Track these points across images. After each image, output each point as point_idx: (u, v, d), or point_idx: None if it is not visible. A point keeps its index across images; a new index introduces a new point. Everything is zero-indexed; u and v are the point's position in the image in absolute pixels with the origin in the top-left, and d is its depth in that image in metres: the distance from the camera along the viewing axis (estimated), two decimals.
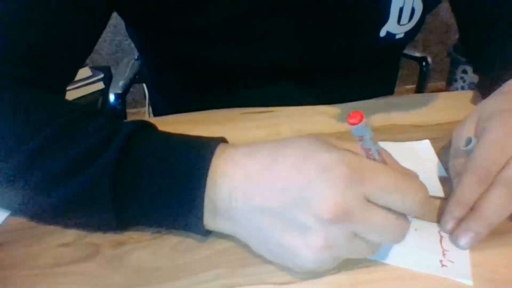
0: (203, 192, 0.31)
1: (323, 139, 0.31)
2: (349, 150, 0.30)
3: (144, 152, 0.33)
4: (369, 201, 0.28)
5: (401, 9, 0.50)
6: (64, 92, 0.48)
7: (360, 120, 0.26)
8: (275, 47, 0.53)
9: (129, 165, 0.32)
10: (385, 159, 0.30)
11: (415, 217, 0.35)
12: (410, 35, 0.54)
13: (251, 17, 0.49)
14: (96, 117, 0.36)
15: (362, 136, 0.28)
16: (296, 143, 0.31)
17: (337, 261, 0.30)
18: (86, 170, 0.32)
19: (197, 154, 0.32)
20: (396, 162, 0.32)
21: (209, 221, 0.32)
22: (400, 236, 0.30)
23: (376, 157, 0.29)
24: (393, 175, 0.28)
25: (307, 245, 0.28)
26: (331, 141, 0.32)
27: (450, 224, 0.35)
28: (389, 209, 0.29)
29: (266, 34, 0.52)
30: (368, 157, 0.29)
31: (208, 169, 0.31)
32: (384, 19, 0.50)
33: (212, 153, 0.32)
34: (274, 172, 0.30)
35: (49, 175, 0.33)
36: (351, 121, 0.27)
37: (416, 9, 0.50)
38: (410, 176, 0.29)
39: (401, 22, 0.51)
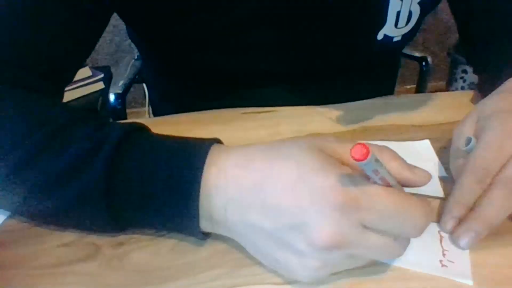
0: (197, 201, 0.31)
1: (321, 144, 0.30)
2: (346, 169, 0.28)
3: (134, 161, 0.32)
4: (364, 226, 0.28)
5: (398, 13, 0.50)
6: (61, 94, 0.48)
7: (365, 158, 0.24)
8: (273, 54, 0.53)
9: (120, 173, 0.32)
10: (388, 183, 0.28)
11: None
12: (408, 37, 0.54)
13: (248, 27, 0.49)
14: (86, 122, 0.35)
15: (364, 169, 0.26)
16: (291, 155, 0.30)
17: (331, 273, 0.30)
18: (77, 178, 0.32)
19: (188, 164, 0.31)
20: (402, 165, 0.30)
21: (206, 226, 0.32)
22: (398, 254, 0.30)
23: (378, 183, 0.28)
24: (391, 201, 0.27)
25: (302, 266, 0.28)
26: (330, 145, 0.31)
27: (450, 224, 0.35)
28: (386, 234, 0.28)
29: (264, 43, 0.52)
30: (368, 179, 0.28)
31: (200, 179, 0.31)
32: (381, 23, 0.50)
33: (203, 162, 0.31)
34: (267, 191, 0.29)
35: (39, 183, 0.32)
36: (356, 156, 0.24)
37: (413, 12, 0.50)
38: (409, 199, 0.28)
39: (399, 26, 0.51)
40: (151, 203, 0.32)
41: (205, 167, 0.31)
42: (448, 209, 0.35)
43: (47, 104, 0.39)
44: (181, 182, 0.31)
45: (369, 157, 0.24)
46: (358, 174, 0.28)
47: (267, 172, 0.30)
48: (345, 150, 0.30)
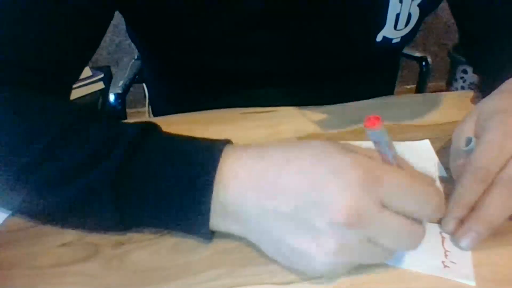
0: (210, 195, 0.31)
1: (338, 143, 0.31)
2: (364, 154, 0.29)
3: (148, 155, 0.33)
4: (383, 205, 0.28)
5: (397, 15, 0.50)
6: (68, 93, 0.48)
7: (377, 125, 0.26)
8: (272, 55, 0.54)
9: (133, 168, 0.32)
10: (401, 165, 0.29)
11: (429, 221, 0.33)
12: (407, 39, 0.54)
13: (247, 28, 0.50)
14: (99, 119, 0.36)
15: (378, 141, 0.27)
16: (308, 145, 0.31)
17: (350, 267, 0.30)
18: (89, 172, 0.32)
19: (204, 157, 0.32)
20: (413, 169, 0.32)
21: (218, 223, 0.32)
22: (414, 243, 0.29)
23: (392, 162, 0.29)
24: (409, 180, 0.28)
25: (320, 249, 0.28)
26: (347, 145, 0.31)
27: (451, 225, 0.35)
28: (404, 215, 0.28)
29: (263, 44, 0.52)
30: (383, 161, 0.29)
31: (215, 172, 0.31)
32: (381, 25, 0.50)
33: (219, 156, 0.32)
34: (286, 175, 0.30)
35: (52, 177, 0.33)
36: (368, 124, 0.26)
37: (412, 14, 0.50)
38: (426, 181, 0.29)
39: (398, 28, 0.51)
40: (161, 196, 0.32)
41: (221, 160, 0.32)
42: (449, 210, 0.35)
43: (57, 103, 0.39)
44: (195, 175, 0.31)
45: (380, 125, 0.25)
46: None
47: (285, 160, 0.30)
48: (360, 149, 0.31)
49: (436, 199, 0.29)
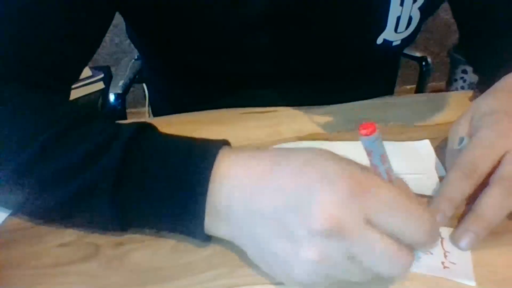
0: (205, 196, 0.31)
1: (333, 153, 0.30)
2: (357, 163, 0.28)
3: (146, 155, 0.33)
4: (370, 222, 0.26)
5: (398, 18, 0.50)
6: (68, 92, 0.48)
7: (372, 133, 0.25)
8: (272, 57, 0.53)
9: (131, 167, 0.32)
10: (392, 180, 0.28)
11: (420, 249, 0.29)
12: (408, 41, 0.54)
13: (246, 30, 0.49)
14: (98, 119, 0.36)
15: (371, 151, 0.26)
16: (303, 151, 0.30)
17: (329, 280, 0.28)
18: (87, 171, 0.32)
19: (200, 158, 0.32)
20: (408, 188, 0.30)
21: (210, 226, 0.32)
22: (400, 270, 0.27)
23: (384, 176, 0.27)
24: (399, 197, 0.26)
25: (297, 255, 0.27)
26: (343, 156, 0.30)
27: (437, 218, 0.34)
28: (392, 237, 0.26)
29: (263, 47, 0.52)
30: (375, 174, 0.28)
31: (210, 173, 0.31)
32: (381, 28, 0.50)
33: (214, 157, 0.32)
34: (275, 176, 0.29)
35: (51, 175, 0.33)
36: (363, 131, 0.25)
37: (413, 17, 0.50)
38: (419, 203, 0.27)
39: (398, 30, 0.51)
40: (158, 196, 0.32)
41: (216, 162, 0.31)
42: (434, 204, 0.35)
43: (58, 102, 0.39)
44: (191, 176, 0.31)
45: (375, 134, 0.25)
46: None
47: (278, 159, 0.30)
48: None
49: (427, 224, 0.26)
